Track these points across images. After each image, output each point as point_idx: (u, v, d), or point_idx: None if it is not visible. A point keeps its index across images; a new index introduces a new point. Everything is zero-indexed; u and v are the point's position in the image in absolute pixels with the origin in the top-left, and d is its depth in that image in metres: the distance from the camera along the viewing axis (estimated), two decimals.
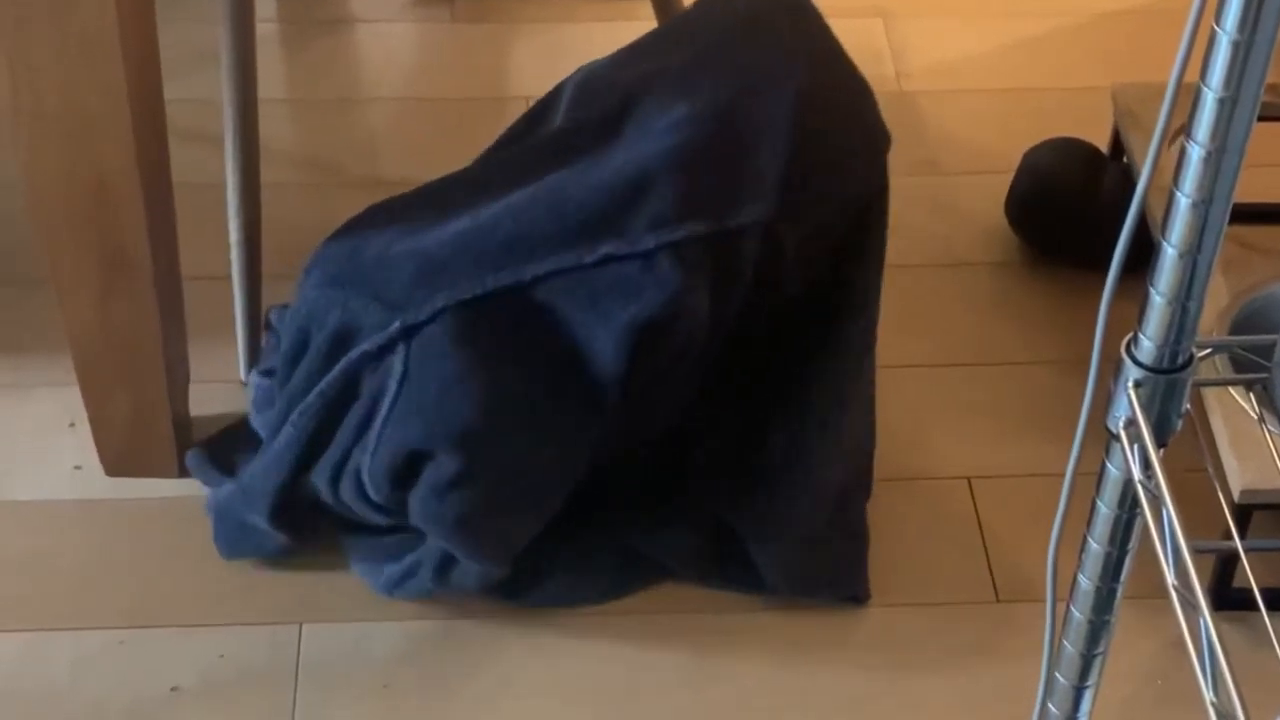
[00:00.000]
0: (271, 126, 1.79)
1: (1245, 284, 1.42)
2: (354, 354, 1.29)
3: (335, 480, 1.32)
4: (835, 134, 1.37)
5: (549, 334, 1.27)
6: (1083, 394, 0.84)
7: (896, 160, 1.77)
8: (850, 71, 1.40)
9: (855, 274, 1.40)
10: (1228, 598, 1.34)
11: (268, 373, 1.39)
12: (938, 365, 1.59)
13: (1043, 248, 1.67)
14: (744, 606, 1.39)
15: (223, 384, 1.52)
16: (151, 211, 1.31)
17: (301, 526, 1.37)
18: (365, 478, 1.30)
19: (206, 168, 1.63)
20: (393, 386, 1.27)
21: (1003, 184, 1.67)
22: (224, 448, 1.44)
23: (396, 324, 1.27)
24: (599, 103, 1.35)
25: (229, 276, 1.53)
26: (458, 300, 1.26)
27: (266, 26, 1.90)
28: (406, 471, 1.28)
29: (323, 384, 1.30)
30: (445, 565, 1.34)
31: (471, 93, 1.84)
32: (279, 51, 1.90)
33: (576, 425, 1.30)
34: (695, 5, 1.44)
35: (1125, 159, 1.59)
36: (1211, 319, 1.39)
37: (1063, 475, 0.87)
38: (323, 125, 1.82)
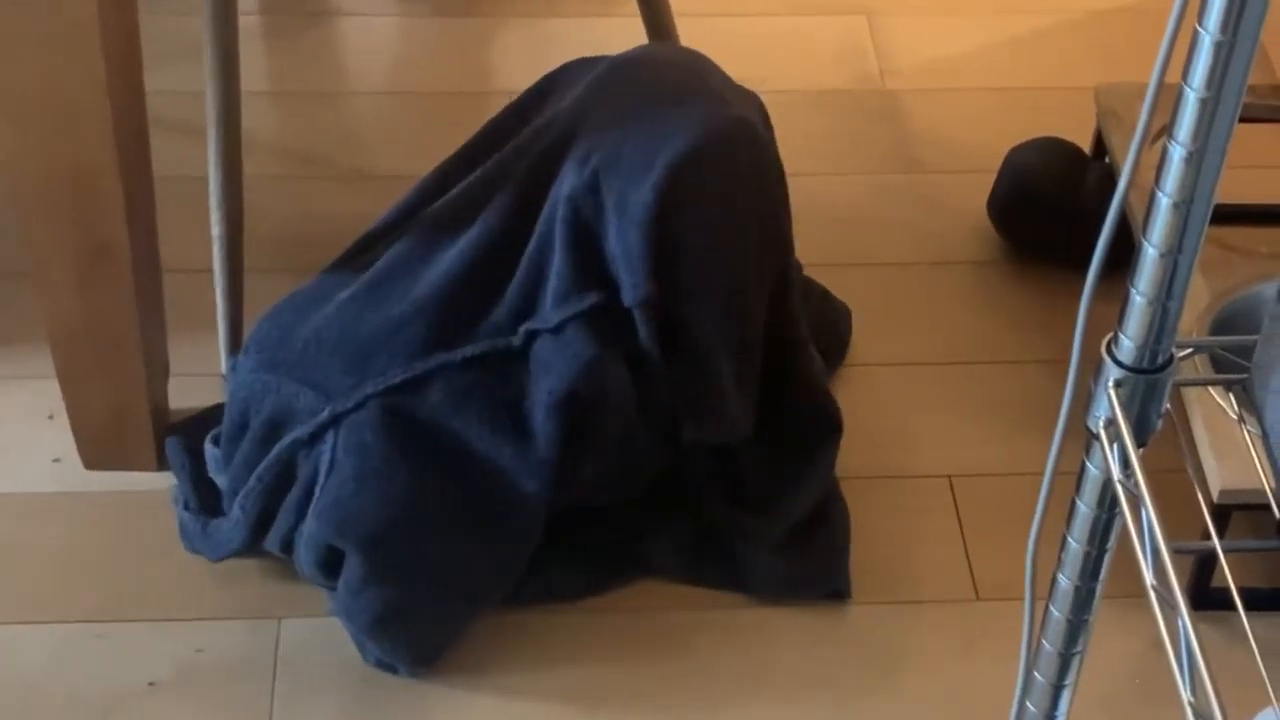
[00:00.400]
0: (254, 119, 1.78)
1: (1225, 285, 1.42)
2: (286, 441, 1.31)
3: (287, 552, 1.34)
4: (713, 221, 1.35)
5: (473, 423, 1.28)
6: (1064, 393, 0.84)
7: (881, 158, 1.78)
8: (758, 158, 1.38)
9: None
10: (1207, 598, 1.35)
11: (216, 440, 1.40)
12: (920, 363, 1.59)
13: (1025, 247, 1.67)
14: (725, 603, 1.39)
15: (203, 377, 1.52)
16: (131, 203, 1.30)
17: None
18: (302, 566, 1.31)
19: (189, 160, 1.62)
20: (322, 476, 1.29)
21: (986, 183, 1.68)
22: (199, 435, 1.43)
23: (326, 412, 1.29)
24: (515, 161, 1.36)
25: (210, 269, 1.52)
26: (385, 386, 1.28)
27: (250, 19, 1.90)
28: (333, 563, 1.29)
29: (260, 469, 1.32)
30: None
31: (455, 87, 1.84)
32: (262, 44, 1.90)
33: (505, 522, 1.30)
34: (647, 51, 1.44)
35: (1108, 159, 1.59)
36: (1191, 320, 1.39)
37: (1043, 474, 0.87)
38: (306, 118, 1.81)
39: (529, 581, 1.37)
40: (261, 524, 1.34)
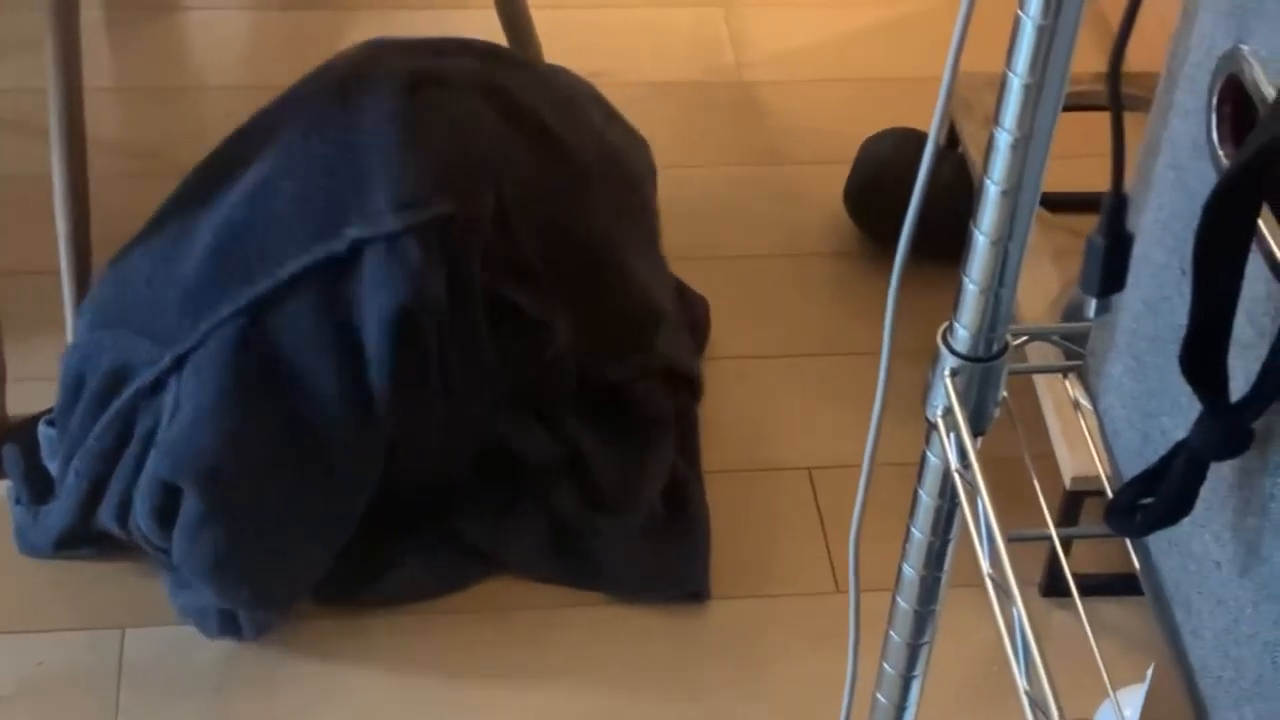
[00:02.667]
0: (98, 115, 1.73)
1: (1075, 273, 1.43)
2: (126, 394, 1.28)
3: (123, 520, 1.30)
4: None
5: (309, 349, 1.25)
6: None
7: (737, 150, 1.78)
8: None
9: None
10: (1063, 585, 1.35)
11: (52, 422, 1.36)
12: (778, 355, 1.58)
13: (880, 237, 1.67)
14: (586, 600, 1.37)
15: (45, 381, 1.47)
16: None
17: (84, 551, 1.35)
18: (138, 518, 1.27)
19: (26, 158, 1.58)
20: (164, 423, 1.26)
21: (842, 174, 1.68)
22: (35, 432, 1.39)
23: (167, 357, 1.26)
24: (318, 87, 1.35)
25: (54, 270, 1.48)
26: (220, 319, 1.25)
27: (91, 14, 1.85)
28: (169, 509, 1.26)
29: (98, 427, 1.29)
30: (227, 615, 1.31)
31: None
32: (105, 39, 1.85)
33: (342, 456, 1.27)
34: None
35: (960, 149, 1.60)
36: (1043, 307, 1.40)
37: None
38: (151, 114, 1.77)
39: (376, 581, 1.34)
40: (95, 492, 1.30)
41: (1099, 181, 1.58)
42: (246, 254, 1.27)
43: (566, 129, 1.41)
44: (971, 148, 1.57)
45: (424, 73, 1.33)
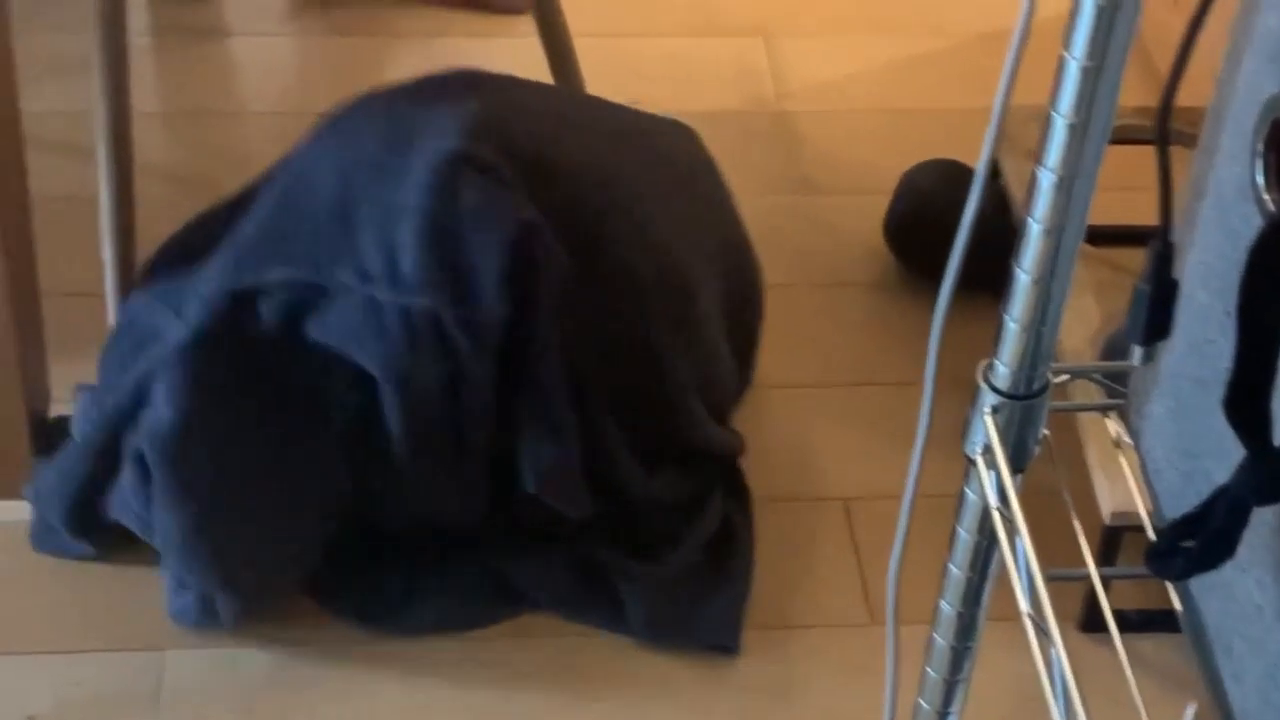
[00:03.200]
0: (144, 139, 1.75)
1: (1117, 306, 1.42)
2: (143, 364, 1.30)
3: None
4: None
5: (279, 351, 1.28)
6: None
7: (777, 179, 1.78)
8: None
9: None
10: (1101, 621, 1.34)
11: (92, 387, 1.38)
12: (815, 386, 1.58)
13: (920, 268, 1.67)
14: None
15: None
16: (4, 223, 1.27)
17: (96, 536, 1.36)
18: (125, 488, 1.30)
19: (72, 181, 1.59)
20: None
21: (881, 204, 1.67)
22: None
23: (185, 334, 1.29)
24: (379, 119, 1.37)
25: (98, 292, 1.49)
26: (211, 295, 1.29)
27: (140, 39, 1.87)
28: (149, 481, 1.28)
29: (117, 388, 1.31)
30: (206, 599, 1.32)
31: None
32: (152, 63, 1.87)
33: (301, 451, 1.29)
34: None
35: (1001, 181, 1.60)
36: (1083, 342, 1.39)
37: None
38: (197, 138, 1.78)
39: (404, 612, 1.34)
40: (106, 451, 1.31)
41: (1140, 215, 1.57)
42: (257, 250, 1.30)
43: (625, 232, 1.39)
44: (1013, 180, 1.56)
45: (470, 152, 1.32)
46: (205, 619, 1.31)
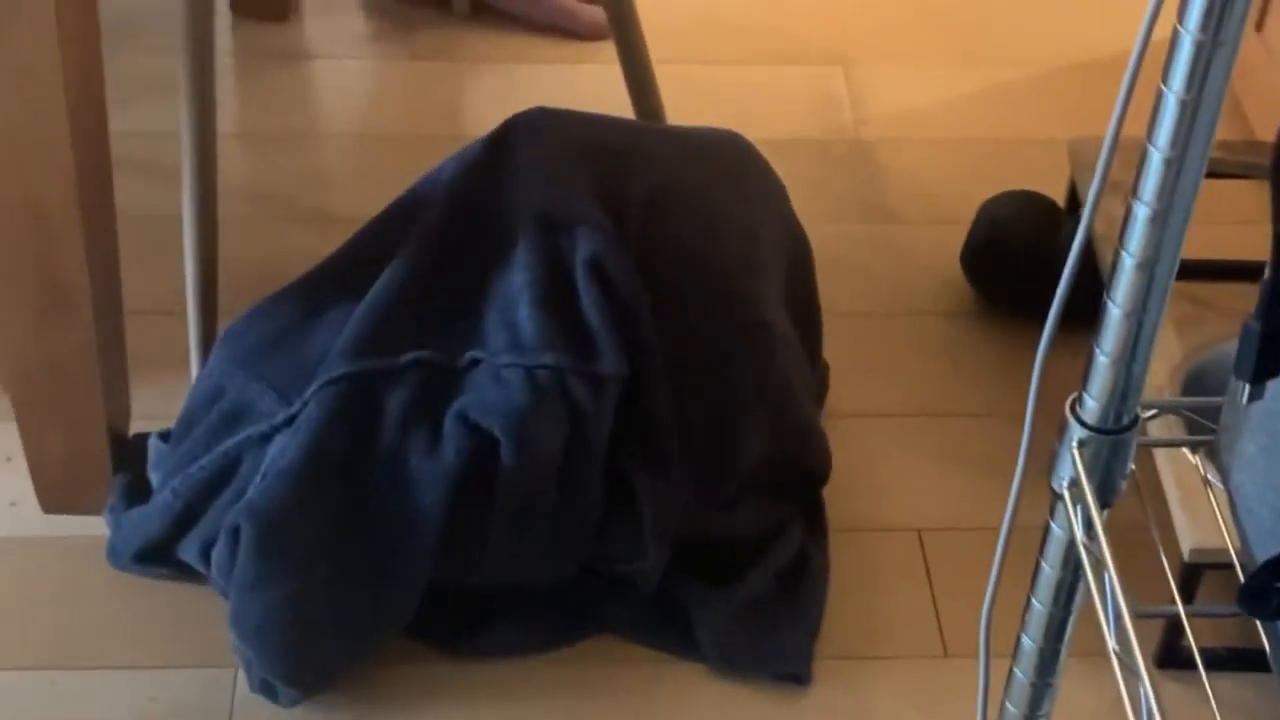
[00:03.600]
0: (225, 160, 1.76)
1: (1198, 341, 1.41)
2: (239, 436, 1.31)
3: (205, 558, 1.32)
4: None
5: (396, 427, 1.27)
6: (1037, 447, 0.83)
7: (854, 208, 1.78)
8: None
9: None
10: (1178, 656, 1.33)
11: (165, 436, 1.39)
12: (890, 415, 1.57)
13: (998, 299, 1.66)
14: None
15: (168, 421, 1.50)
16: (91, 242, 1.29)
17: (160, 571, 1.37)
18: (214, 560, 1.29)
19: (156, 200, 1.61)
20: (259, 476, 1.28)
21: (959, 234, 1.67)
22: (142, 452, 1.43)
23: (281, 415, 1.30)
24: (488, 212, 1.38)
25: (179, 311, 1.50)
26: (328, 378, 1.28)
27: (222, 60, 1.88)
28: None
29: (205, 459, 1.32)
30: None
31: (427, 129, 1.83)
32: (234, 85, 1.89)
33: (400, 537, 1.27)
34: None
35: (1080, 212, 1.59)
36: (1164, 375, 1.38)
37: (1015, 529, 0.86)
38: (277, 160, 1.80)
39: (472, 636, 1.34)
40: (186, 516, 1.32)
41: (1224, 249, 1.56)
42: (376, 334, 1.31)
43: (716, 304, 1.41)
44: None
45: (595, 254, 1.34)
46: (263, 692, 1.30)
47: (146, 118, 1.74)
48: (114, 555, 1.39)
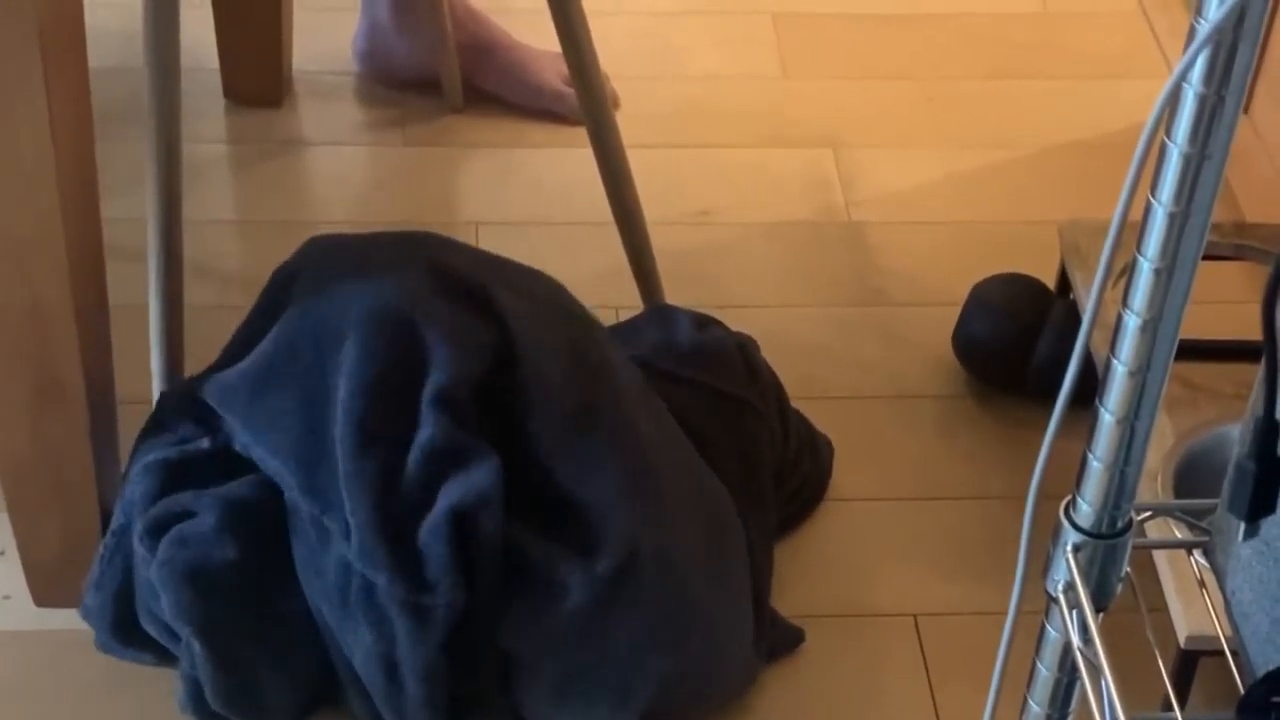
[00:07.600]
0: (218, 247, 1.77)
1: (1190, 425, 1.41)
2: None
3: (151, 616, 1.33)
4: None
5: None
6: (1022, 527, 0.83)
7: (845, 291, 1.78)
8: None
9: None
10: None
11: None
12: (883, 499, 1.57)
13: (990, 381, 1.66)
14: None
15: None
16: (85, 339, 1.29)
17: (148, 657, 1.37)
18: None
19: (144, 287, 1.60)
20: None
21: (951, 316, 1.67)
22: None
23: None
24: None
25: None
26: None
27: (217, 147, 1.89)
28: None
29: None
30: None
31: (421, 217, 1.83)
32: (228, 172, 1.89)
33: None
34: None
35: (1071, 295, 1.59)
36: (1156, 461, 1.38)
37: (1002, 614, 0.85)
38: (270, 247, 1.79)
39: None
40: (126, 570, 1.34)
41: (1216, 329, 1.55)
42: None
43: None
44: (1083, 294, 1.56)
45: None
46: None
47: (137, 205, 1.74)
48: (97, 641, 1.38)
